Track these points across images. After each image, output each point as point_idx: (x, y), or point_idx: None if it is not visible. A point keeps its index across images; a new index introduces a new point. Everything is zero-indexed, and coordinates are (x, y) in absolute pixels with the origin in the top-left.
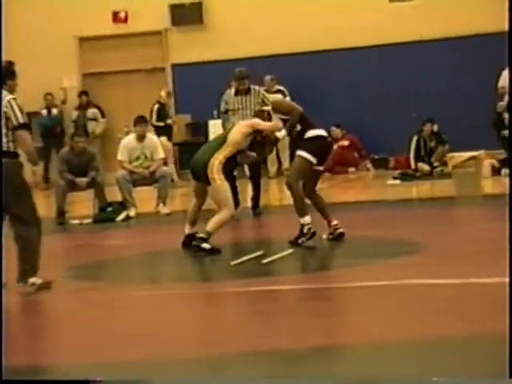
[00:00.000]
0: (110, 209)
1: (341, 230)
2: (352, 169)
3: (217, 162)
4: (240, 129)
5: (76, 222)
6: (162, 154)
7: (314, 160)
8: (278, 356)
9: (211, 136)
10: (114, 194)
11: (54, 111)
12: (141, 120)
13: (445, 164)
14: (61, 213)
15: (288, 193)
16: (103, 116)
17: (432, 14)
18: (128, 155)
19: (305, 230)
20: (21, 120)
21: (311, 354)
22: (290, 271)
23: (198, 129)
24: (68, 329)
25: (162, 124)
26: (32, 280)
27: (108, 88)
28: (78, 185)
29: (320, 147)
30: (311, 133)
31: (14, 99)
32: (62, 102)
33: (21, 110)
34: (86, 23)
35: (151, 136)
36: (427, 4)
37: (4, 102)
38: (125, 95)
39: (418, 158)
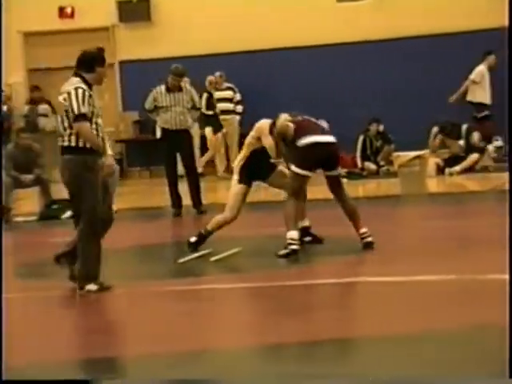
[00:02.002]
0: (55, 206)
1: (368, 240)
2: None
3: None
4: (254, 131)
5: (20, 219)
6: (109, 151)
7: (305, 173)
8: (224, 354)
9: (158, 133)
10: (59, 192)
11: (4, 108)
12: None
13: (391, 163)
14: (6, 210)
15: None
16: (54, 112)
17: (379, 15)
18: None
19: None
20: (76, 111)
21: (264, 352)
22: (241, 269)
23: (146, 126)
24: (25, 327)
25: (211, 113)
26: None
27: (55, 84)
28: (23, 182)
29: (314, 155)
30: (304, 141)
31: (77, 89)
32: (7, 98)
33: (78, 101)
34: (32, 18)
35: None
36: (375, 4)
37: (65, 94)
38: None
39: (364, 157)
